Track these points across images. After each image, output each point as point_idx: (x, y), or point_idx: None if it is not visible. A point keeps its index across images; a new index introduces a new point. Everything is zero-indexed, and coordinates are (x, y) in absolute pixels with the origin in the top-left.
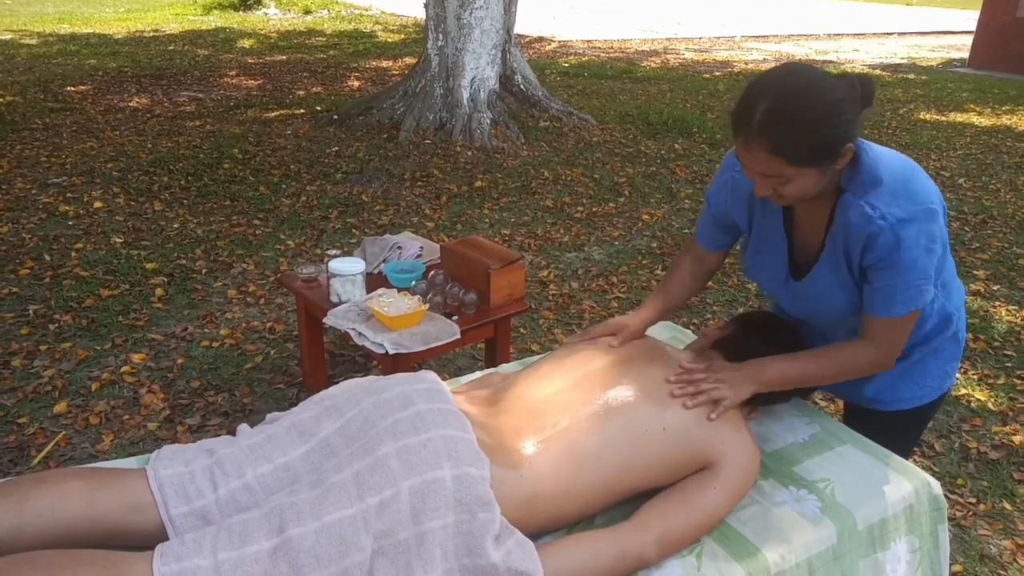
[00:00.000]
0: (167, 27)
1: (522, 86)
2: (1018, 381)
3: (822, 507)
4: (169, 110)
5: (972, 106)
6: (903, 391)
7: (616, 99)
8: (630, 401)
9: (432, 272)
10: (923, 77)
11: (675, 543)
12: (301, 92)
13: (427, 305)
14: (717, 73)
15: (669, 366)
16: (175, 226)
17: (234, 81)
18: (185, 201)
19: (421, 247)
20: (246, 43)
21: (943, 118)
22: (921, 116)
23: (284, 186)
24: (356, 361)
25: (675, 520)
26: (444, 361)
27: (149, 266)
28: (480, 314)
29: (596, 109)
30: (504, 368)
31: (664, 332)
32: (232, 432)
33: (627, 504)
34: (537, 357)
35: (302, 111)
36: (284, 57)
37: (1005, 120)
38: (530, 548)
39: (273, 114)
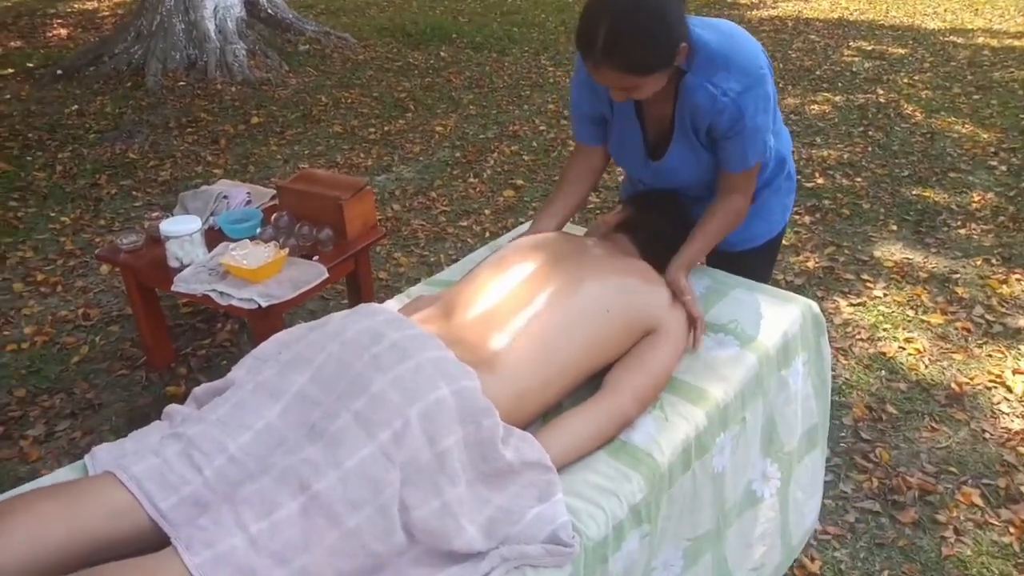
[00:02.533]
0: None
1: (270, 10)
2: (797, 217)
3: (739, 344)
4: None
5: None
6: (755, 230)
7: (364, 13)
8: (574, 290)
9: (275, 216)
10: None
11: (646, 399)
12: None
13: (287, 250)
14: None
15: (590, 252)
16: None
17: None
18: None
19: (248, 192)
20: None
21: None
22: None
23: (29, 158)
24: (197, 328)
25: (640, 379)
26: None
27: None
28: (339, 249)
29: (350, 26)
30: (416, 290)
31: None
32: (92, 433)
33: (586, 387)
34: (454, 272)
35: (11, 71)
36: None
37: None
38: (531, 439)
39: None
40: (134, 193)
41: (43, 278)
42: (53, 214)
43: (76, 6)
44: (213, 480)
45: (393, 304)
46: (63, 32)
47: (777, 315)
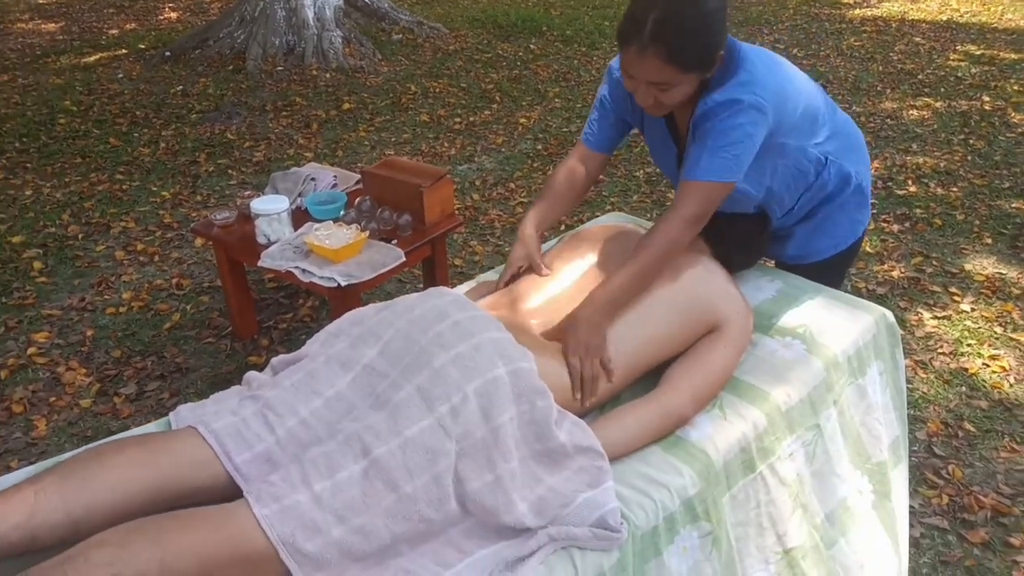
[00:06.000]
0: None
1: (367, 0)
2: (884, 225)
3: (807, 348)
4: None
5: None
6: (818, 244)
7: (458, 4)
8: None
9: (358, 199)
10: None
11: (704, 398)
12: (114, 31)
13: (367, 232)
14: None
15: None
16: (27, 193)
17: (29, 26)
18: (29, 165)
19: (335, 175)
20: None
21: None
22: None
23: (136, 135)
24: (280, 303)
25: (699, 378)
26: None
27: (15, 239)
28: (417, 235)
29: (443, 16)
30: (484, 277)
31: (618, 220)
32: (179, 395)
33: (646, 380)
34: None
35: (125, 51)
36: None
37: None
38: (584, 426)
39: (92, 58)
40: (229, 171)
41: (142, 248)
42: (155, 188)
43: None
44: (284, 440)
45: (463, 288)
46: (173, 16)
47: (849, 323)
